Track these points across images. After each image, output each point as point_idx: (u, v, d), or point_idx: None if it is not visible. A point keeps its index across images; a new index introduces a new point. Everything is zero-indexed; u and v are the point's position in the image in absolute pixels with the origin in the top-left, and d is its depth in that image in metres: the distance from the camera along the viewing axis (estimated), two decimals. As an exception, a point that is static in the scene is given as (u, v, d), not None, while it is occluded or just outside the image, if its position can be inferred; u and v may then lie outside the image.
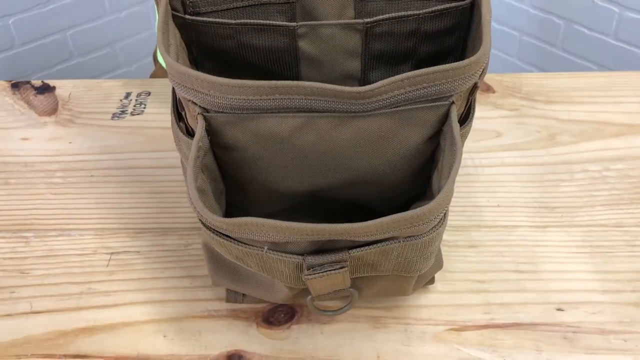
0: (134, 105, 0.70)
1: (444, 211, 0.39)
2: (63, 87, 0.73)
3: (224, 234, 0.39)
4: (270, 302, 0.49)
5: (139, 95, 0.71)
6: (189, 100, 0.40)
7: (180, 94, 0.40)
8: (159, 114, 0.69)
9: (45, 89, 0.72)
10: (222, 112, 0.39)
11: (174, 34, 0.42)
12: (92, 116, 0.69)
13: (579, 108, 0.69)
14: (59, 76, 1.43)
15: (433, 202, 0.36)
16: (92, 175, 0.61)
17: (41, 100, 0.71)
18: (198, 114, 0.40)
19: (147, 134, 0.66)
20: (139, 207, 0.58)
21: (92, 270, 0.52)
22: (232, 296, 0.49)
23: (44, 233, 0.56)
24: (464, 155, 0.63)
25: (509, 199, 0.58)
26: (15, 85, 0.73)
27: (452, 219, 0.56)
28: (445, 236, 0.55)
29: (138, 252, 0.54)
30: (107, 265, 0.53)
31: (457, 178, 0.60)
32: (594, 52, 1.41)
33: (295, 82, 0.38)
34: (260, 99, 0.38)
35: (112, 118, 0.68)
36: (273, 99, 0.38)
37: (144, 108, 0.69)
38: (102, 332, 0.48)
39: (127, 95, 0.71)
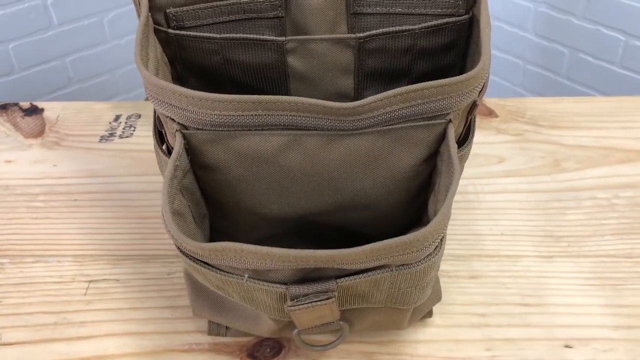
0: (123, 128, 0.67)
1: (440, 237, 0.36)
2: (52, 109, 0.71)
3: (202, 261, 0.36)
4: (255, 335, 0.46)
5: (128, 117, 0.69)
6: (167, 117, 0.37)
7: (157, 109, 0.38)
8: (149, 137, 0.66)
9: (33, 111, 0.70)
10: (201, 129, 0.37)
11: (154, 48, 0.40)
12: (79, 139, 0.66)
13: (584, 133, 0.66)
14: (57, 102, 1.42)
15: (427, 227, 0.33)
16: (75, 200, 0.59)
17: (28, 122, 0.69)
18: (176, 131, 0.37)
19: (134, 157, 0.63)
20: (122, 233, 0.55)
21: (68, 299, 0.49)
22: (215, 329, 0.46)
23: (20, 259, 0.53)
24: (464, 182, 0.60)
25: (513, 227, 0.55)
26: (3, 107, 0.71)
27: (452, 247, 0.53)
28: (444, 266, 0.51)
29: (118, 280, 0.51)
30: (85, 294, 0.50)
31: (458, 205, 0.57)
32: (600, 80, 1.39)
33: (279, 97, 0.35)
34: (242, 115, 0.36)
35: (100, 141, 0.66)
36: (256, 114, 0.36)
37: (134, 131, 0.67)
38: (75, 366, 0.44)
39: (117, 117, 0.69)
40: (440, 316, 0.47)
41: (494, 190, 0.59)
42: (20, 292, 0.50)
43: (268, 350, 0.45)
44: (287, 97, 0.35)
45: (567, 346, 0.45)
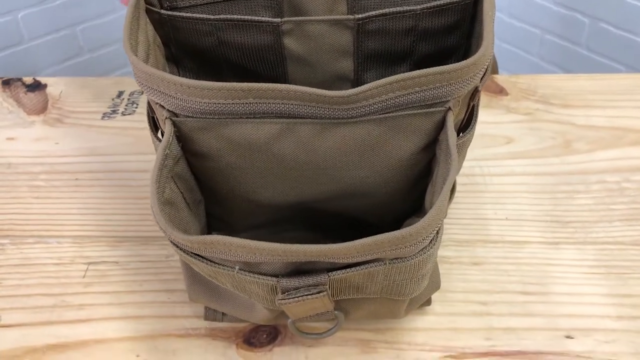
0: (126, 105, 0.67)
1: (436, 230, 0.35)
2: (55, 85, 0.70)
3: (192, 252, 0.35)
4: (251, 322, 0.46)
5: (131, 94, 0.68)
6: (157, 103, 0.36)
7: (148, 96, 0.37)
8: (151, 114, 0.65)
9: (36, 86, 0.70)
10: (191, 117, 0.36)
11: (145, 30, 0.39)
12: (81, 116, 0.66)
13: (598, 113, 0.64)
14: (67, 72, 1.41)
15: (421, 221, 0.32)
16: (76, 179, 0.58)
17: (31, 98, 0.68)
18: (166, 118, 0.36)
19: (136, 135, 0.63)
20: (121, 214, 0.55)
21: (67, 281, 0.49)
22: (211, 314, 0.46)
23: (21, 240, 0.53)
24: (471, 164, 0.58)
25: (518, 211, 0.54)
26: (6, 83, 0.71)
27: (455, 232, 0.52)
28: (447, 252, 0.50)
29: (117, 262, 0.50)
30: (84, 277, 0.50)
31: (464, 188, 0.56)
32: (621, 51, 1.35)
33: (270, 85, 0.34)
34: (233, 103, 0.35)
35: (103, 118, 0.65)
36: (247, 103, 0.35)
37: (136, 108, 0.66)
38: (73, 349, 0.45)
39: (120, 93, 0.68)
40: (440, 304, 0.47)
41: (500, 172, 0.57)
42: (19, 273, 0.50)
43: (264, 336, 0.45)
44: (278, 85, 0.34)
45: (568, 337, 0.44)
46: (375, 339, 0.45)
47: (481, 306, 0.46)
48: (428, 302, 0.46)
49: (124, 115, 0.65)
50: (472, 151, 0.60)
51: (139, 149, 0.61)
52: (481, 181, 0.57)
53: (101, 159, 0.60)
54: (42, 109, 0.67)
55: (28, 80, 0.71)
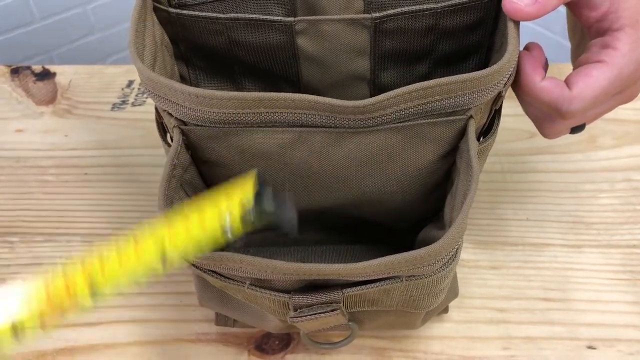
0: (136, 95, 0.65)
1: (455, 248, 0.33)
2: (64, 74, 0.68)
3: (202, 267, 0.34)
4: (264, 328, 0.45)
5: (141, 83, 0.66)
6: (164, 111, 0.35)
7: (155, 103, 0.35)
8: (162, 105, 0.64)
9: (45, 75, 0.68)
10: (201, 126, 0.34)
11: (152, 31, 0.37)
12: (91, 106, 0.64)
13: (626, 105, 0.61)
14: (79, 52, 1.39)
15: (440, 241, 0.30)
16: (86, 173, 0.57)
17: (40, 87, 0.67)
18: (174, 127, 0.35)
19: (146, 128, 0.61)
20: (131, 210, 0.54)
21: (77, 282, 0.48)
22: (222, 319, 0.45)
23: (31, 238, 0.52)
24: (491, 159, 0.56)
25: (540, 211, 0.52)
26: (15, 71, 0.69)
27: (473, 234, 0.50)
28: (465, 255, 0.49)
29: (127, 263, 0.49)
30: (94, 277, 0.49)
31: (482, 186, 0.54)
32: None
33: (282, 95, 0.32)
34: (243, 113, 0.33)
35: (112, 109, 0.64)
36: (258, 112, 0.33)
37: (147, 98, 0.65)
38: (82, 354, 0.44)
39: (130, 83, 0.67)
40: (457, 310, 0.45)
41: (521, 169, 0.55)
42: (29, 273, 0.49)
43: (277, 342, 0.44)
44: (291, 94, 0.32)
45: (589, 347, 0.43)
46: (390, 347, 0.43)
47: (499, 313, 0.45)
48: (445, 310, 0.44)
49: (134, 105, 0.64)
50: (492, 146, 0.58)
51: (149, 142, 0.60)
52: (500, 178, 0.55)
53: (111, 153, 0.59)
54: (52, 99, 0.66)
55: (37, 68, 0.70)
